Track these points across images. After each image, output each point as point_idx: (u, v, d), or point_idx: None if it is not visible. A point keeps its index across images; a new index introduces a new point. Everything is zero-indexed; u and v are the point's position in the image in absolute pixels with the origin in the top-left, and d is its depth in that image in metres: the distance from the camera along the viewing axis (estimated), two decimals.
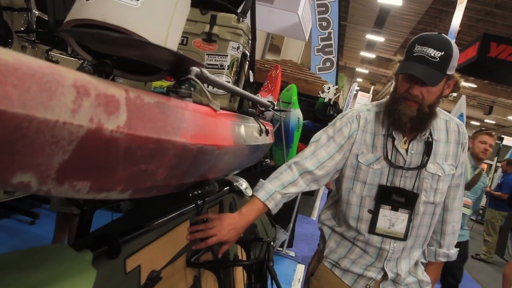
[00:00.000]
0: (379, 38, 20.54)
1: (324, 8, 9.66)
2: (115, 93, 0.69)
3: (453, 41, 1.68)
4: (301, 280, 4.74)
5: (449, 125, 1.85)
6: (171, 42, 1.25)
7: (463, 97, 11.41)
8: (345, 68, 28.95)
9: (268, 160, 2.59)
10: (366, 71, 30.48)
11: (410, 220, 1.79)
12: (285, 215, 5.29)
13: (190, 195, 1.24)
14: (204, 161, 1.09)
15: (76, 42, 1.16)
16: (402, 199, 1.78)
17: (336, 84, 8.77)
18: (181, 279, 1.66)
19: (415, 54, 1.65)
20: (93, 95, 0.64)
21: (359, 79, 32.35)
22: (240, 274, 2.30)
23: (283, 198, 1.76)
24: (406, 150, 1.79)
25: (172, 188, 1.07)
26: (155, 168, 0.86)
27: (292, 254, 5.51)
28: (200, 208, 1.66)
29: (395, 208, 1.78)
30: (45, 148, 0.59)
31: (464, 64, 12.26)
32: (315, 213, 8.66)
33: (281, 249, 5.33)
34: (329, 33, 9.77)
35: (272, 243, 2.08)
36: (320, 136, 1.85)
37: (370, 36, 20.48)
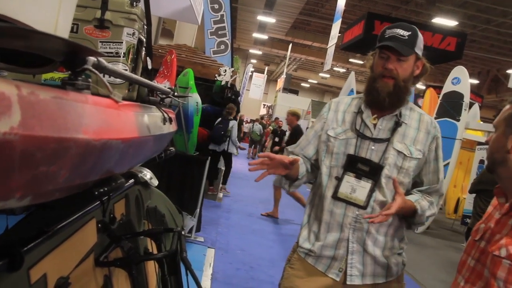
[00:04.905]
0: (270, 19, 20.98)
1: None
2: (5, 90, 0.61)
3: None
4: (212, 265, 4.75)
5: (423, 117, 1.99)
6: (62, 29, 1.15)
7: (352, 74, 12.01)
8: (239, 50, 29.22)
9: (172, 149, 2.52)
10: (259, 52, 31.05)
11: (372, 190, 1.89)
12: (191, 200, 5.26)
13: (96, 193, 1.17)
14: (109, 156, 1.02)
15: None
16: (366, 168, 1.90)
17: (232, 66, 8.81)
18: (91, 280, 1.57)
19: (386, 36, 1.89)
20: None
21: (253, 61, 32.88)
22: (152, 268, 2.24)
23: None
24: (374, 125, 1.93)
25: (76, 188, 0.99)
26: (57, 170, 0.78)
27: (201, 239, 5.50)
28: (106, 204, 1.57)
29: (358, 176, 1.91)
30: None
31: (351, 41, 12.90)
32: (220, 196, 8.70)
33: (189, 235, 5.29)
34: (222, 15, 9.74)
35: (182, 232, 2.05)
36: None
37: (261, 18, 20.85)
